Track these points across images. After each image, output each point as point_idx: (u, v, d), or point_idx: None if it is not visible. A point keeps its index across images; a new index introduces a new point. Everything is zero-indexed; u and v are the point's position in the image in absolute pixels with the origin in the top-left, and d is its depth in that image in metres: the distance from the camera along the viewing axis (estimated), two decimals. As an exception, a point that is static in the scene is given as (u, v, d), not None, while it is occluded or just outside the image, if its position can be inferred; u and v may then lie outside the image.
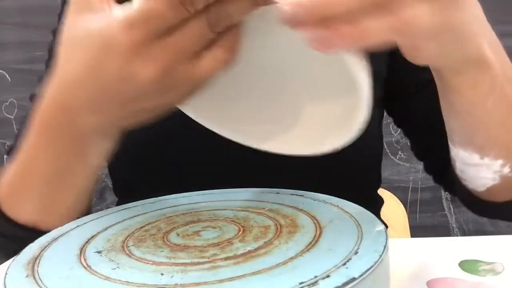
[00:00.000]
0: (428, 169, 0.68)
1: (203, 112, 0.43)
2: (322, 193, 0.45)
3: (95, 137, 0.44)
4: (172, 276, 0.29)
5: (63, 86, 0.41)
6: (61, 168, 0.46)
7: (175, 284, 0.28)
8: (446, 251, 0.43)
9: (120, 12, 0.35)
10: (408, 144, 0.70)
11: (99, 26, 0.35)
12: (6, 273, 0.31)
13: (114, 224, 0.39)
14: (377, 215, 0.66)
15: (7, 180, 0.50)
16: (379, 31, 0.30)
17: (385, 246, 0.31)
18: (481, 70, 0.40)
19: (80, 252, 0.34)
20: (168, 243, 0.34)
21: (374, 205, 0.67)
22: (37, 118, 0.45)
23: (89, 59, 0.37)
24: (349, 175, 0.59)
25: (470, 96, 0.42)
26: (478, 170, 0.48)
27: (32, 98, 0.65)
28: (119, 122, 0.42)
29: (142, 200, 0.46)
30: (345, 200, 0.41)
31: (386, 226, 0.66)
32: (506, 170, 0.47)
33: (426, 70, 0.43)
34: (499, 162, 0.46)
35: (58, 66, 0.41)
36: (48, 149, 0.45)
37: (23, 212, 0.48)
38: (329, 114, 0.40)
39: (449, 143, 0.50)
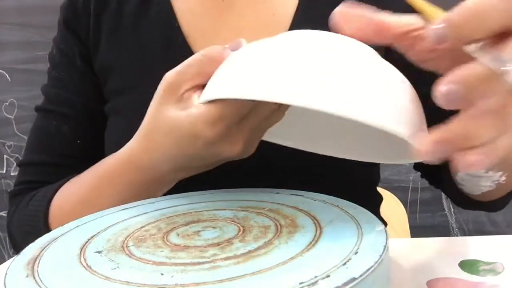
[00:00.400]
0: (423, 174, 0.68)
1: (275, 135, 0.49)
2: (322, 192, 0.45)
3: (168, 185, 0.50)
4: (172, 276, 0.29)
5: (148, 158, 0.47)
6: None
7: (175, 284, 0.28)
8: (446, 251, 0.43)
9: (205, 110, 0.41)
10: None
11: (187, 123, 0.42)
12: (6, 273, 0.31)
13: (114, 224, 0.39)
14: (377, 212, 0.66)
15: (63, 206, 0.54)
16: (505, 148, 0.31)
17: (385, 246, 0.31)
18: None
19: (80, 252, 0.34)
20: (168, 243, 0.34)
21: (374, 203, 0.67)
22: (112, 170, 0.50)
23: (178, 147, 0.44)
24: (348, 172, 0.59)
25: None
26: (480, 180, 0.52)
27: (36, 110, 0.66)
28: (197, 173, 0.48)
29: (142, 200, 0.46)
30: (345, 200, 0.41)
31: (385, 224, 0.66)
32: (502, 178, 0.51)
33: (425, 84, 0.44)
34: (500, 173, 0.50)
35: (142, 140, 0.47)
36: (119, 193, 0.50)
37: None
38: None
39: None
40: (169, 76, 0.44)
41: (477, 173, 0.51)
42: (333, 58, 0.35)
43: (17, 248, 0.61)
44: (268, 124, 0.45)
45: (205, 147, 0.43)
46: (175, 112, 0.43)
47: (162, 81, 0.45)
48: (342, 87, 0.33)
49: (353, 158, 0.47)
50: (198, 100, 0.42)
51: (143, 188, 0.49)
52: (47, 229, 0.54)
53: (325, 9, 0.63)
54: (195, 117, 0.41)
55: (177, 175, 0.48)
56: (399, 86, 0.35)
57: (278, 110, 0.44)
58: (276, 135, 0.49)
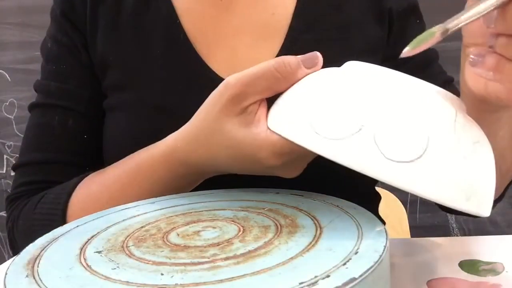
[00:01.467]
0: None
1: None
2: (322, 192, 0.45)
3: (206, 178, 0.50)
4: (172, 276, 0.29)
5: (198, 158, 0.46)
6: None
7: (175, 284, 0.28)
8: (446, 251, 0.43)
9: (275, 140, 0.40)
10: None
11: (254, 146, 0.41)
12: (6, 273, 0.31)
13: (114, 224, 0.39)
14: (375, 211, 0.66)
15: (87, 207, 0.52)
16: None
17: (385, 246, 0.31)
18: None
19: (80, 252, 0.34)
20: (168, 243, 0.34)
21: (373, 201, 0.66)
22: (151, 166, 0.50)
23: (234, 161, 0.44)
24: (347, 171, 0.59)
25: (488, 126, 0.44)
26: None
27: (32, 108, 0.63)
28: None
29: (142, 200, 0.46)
30: (345, 200, 0.41)
31: (384, 223, 0.66)
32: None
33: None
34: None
35: (195, 141, 0.46)
36: (160, 186, 0.49)
37: None
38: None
39: None
40: (233, 85, 0.42)
41: None
42: (410, 118, 0.34)
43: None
44: None
45: (264, 169, 0.43)
46: (238, 129, 0.42)
47: (223, 88, 0.43)
48: (412, 162, 0.33)
49: None
50: (265, 120, 0.42)
51: (184, 180, 0.49)
52: None
53: (324, 9, 0.63)
54: (262, 143, 0.41)
55: (219, 173, 0.49)
56: (470, 150, 0.35)
57: None
58: None
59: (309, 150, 0.36)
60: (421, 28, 0.67)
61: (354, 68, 0.40)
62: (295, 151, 0.40)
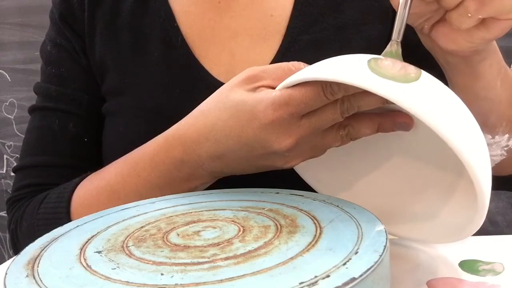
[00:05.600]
0: None
1: (313, 173, 0.48)
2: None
3: (203, 180, 0.49)
4: (172, 276, 0.29)
5: (195, 133, 0.46)
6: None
7: (175, 284, 0.28)
8: (446, 251, 0.43)
9: (274, 92, 0.41)
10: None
11: (254, 100, 0.42)
12: (6, 273, 0.31)
13: (114, 224, 0.39)
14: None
15: (88, 203, 0.52)
16: None
17: (385, 246, 0.31)
18: (495, 52, 0.48)
19: (80, 252, 0.34)
20: (168, 243, 0.34)
21: None
22: (154, 149, 0.49)
23: (233, 124, 0.43)
24: None
25: (488, 78, 0.48)
26: (489, 149, 0.52)
27: (32, 111, 0.64)
28: (235, 172, 0.48)
29: (142, 200, 0.46)
30: (345, 200, 0.41)
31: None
32: (511, 142, 0.52)
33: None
34: (506, 136, 0.52)
35: (196, 115, 0.47)
36: (158, 179, 0.49)
37: None
38: (438, 212, 0.43)
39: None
40: (252, 69, 0.44)
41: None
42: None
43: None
44: (324, 142, 0.44)
45: (259, 129, 0.42)
46: (244, 95, 0.43)
47: (241, 73, 0.45)
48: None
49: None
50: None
51: (180, 172, 0.48)
52: None
53: (322, 9, 0.63)
54: (262, 97, 0.42)
55: (213, 166, 0.47)
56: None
57: (339, 131, 0.43)
58: (313, 177, 0.49)
59: (304, 101, 0.39)
60: None
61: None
62: (292, 102, 0.40)
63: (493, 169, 0.55)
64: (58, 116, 0.61)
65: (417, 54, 0.49)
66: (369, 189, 0.47)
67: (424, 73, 0.36)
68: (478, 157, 0.33)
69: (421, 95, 0.34)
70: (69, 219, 0.53)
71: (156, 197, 0.46)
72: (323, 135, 0.43)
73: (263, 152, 0.43)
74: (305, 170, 0.48)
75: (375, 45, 0.63)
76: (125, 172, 0.51)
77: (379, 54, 0.65)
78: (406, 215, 0.44)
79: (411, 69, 0.36)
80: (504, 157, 0.52)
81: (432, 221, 0.43)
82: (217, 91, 0.46)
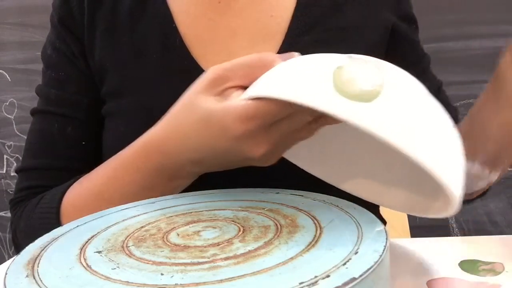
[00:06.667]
0: None
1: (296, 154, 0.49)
2: (322, 193, 0.45)
3: (186, 179, 0.50)
4: (172, 276, 0.29)
5: (172, 143, 0.47)
6: (145, 198, 0.49)
7: (175, 284, 0.28)
8: (446, 251, 0.43)
9: (241, 104, 0.41)
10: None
11: (222, 112, 0.42)
12: (6, 273, 0.31)
13: (114, 224, 0.39)
14: (377, 212, 0.66)
15: (76, 204, 0.53)
16: None
17: (385, 246, 0.31)
18: None
19: (80, 252, 0.34)
20: (168, 243, 0.34)
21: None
22: (132, 156, 0.50)
23: (205, 135, 0.43)
24: None
25: None
26: (479, 181, 0.53)
27: (33, 113, 0.64)
28: (214, 170, 0.48)
29: (142, 200, 0.46)
30: (345, 200, 0.41)
31: (385, 222, 0.66)
32: (496, 177, 0.52)
33: None
34: (498, 173, 0.51)
35: (169, 123, 0.47)
36: (139, 179, 0.49)
37: None
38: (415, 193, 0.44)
39: (476, 158, 0.54)
40: (216, 68, 0.44)
41: (481, 174, 0.52)
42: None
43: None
44: (297, 137, 0.44)
45: (231, 142, 0.42)
46: (211, 103, 0.43)
47: (205, 73, 0.44)
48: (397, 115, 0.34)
49: (367, 199, 0.47)
50: (238, 98, 0.42)
51: (162, 175, 0.48)
52: None
53: (324, 11, 0.63)
54: (230, 109, 0.41)
55: (194, 168, 0.48)
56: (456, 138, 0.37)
57: (310, 125, 0.43)
58: (299, 157, 0.49)
59: (272, 113, 0.39)
60: (417, 34, 0.69)
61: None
62: (260, 115, 0.40)
63: (467, 195, 0.56)
64: (57, 120, 0.62)
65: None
66: (343, 163, 0.48)
67: (389, 81, 0.35)
68: (446, 167, 0.33)
69: (382, 114, 0.33)
70: (59, 220, 0.54)
71: (141, 198, 0.47)
72: (297, 132, 0.43)
73: (240, 159, 0.44)
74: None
75: (374, 51, 0.63)
76: (110, 174, 0.52)
77: (381, 56, 0.65)
78: (377, 183, 0.46)
79: (377, 78, 0.36)
80: (482, 187, 0.53)
81: (401, 192, 0.44)
82: (185, 96, 0.46)
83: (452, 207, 0.35)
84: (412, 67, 0.66)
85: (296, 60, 0.40)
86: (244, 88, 0.42)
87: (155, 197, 0.47)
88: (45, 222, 0.54)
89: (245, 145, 0.42)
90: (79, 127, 0.62)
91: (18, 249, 0.60)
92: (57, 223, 0.54)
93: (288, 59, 0.42)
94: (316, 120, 0.43)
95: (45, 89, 0.64)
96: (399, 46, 0.65)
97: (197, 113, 0.44)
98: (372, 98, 0.34)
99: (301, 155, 0.49)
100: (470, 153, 0.54)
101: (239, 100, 0.41)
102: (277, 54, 0.43)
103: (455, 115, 0.71)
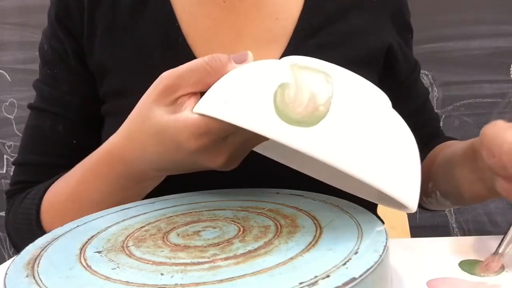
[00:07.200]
0: None
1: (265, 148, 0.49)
2: (322, 193, 0.45)
3: (155, 181, 0.50)
4: (172, 276, 0.29)
5: (131, 152, 0.47)
6: (117, 199, 0.49)
7: (175, 284, 0.28)
8: (446, 251, 0.43)
9: (192, 121, 0.41)
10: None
11: (175, 129, 0.42)
12: (6, 273, 0.31)
13: (114, 224, 0.39)
14: (375, 211, 0.66)
15: (53, 202, 0.54)
16: None
17: (385, 246, 0.31)
18: None
19: (80, 252, 0.34)
20: (168, 243, 0.34)
21: (372, 202, 0.67)
22: (98, 161, 0.50)
23: (160, 150, 0.44)
24: None
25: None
26: (445, 207, 0.59)
27: (29, 108, 0.65)
28: (180, 172, 0.48)
29: (142, 200, 0.46)
30: (345, 200, 0.41)
31: (384, 223, 0.66)
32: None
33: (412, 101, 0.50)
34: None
35: (128, 133, 0.47)
36: (106, 185, 0.49)
37: None
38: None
39: (436, 191, 0.57)
40: (167, 76, 0.43)
41: (447, 204, 0.57)
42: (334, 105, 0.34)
43: (17, 247, 0.61)
44: (254, 143, 0.45)
45: (186, 156, 0.42)
46: (164, 116, 0.43)
47: (158, 80, 0.44)
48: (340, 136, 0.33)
49: (340, 187, 0.47)
50: (191, 109, 0.42)
51: (128, 180, 0.48)
52: (39, 226, 0.54)
53: (330, 15, 0.63)
54: (182, 125, 0.41)
55: (159, 173, 0.48)
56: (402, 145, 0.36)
57: None
58: (270, 151, 0.49)
59: (223, 129, 0.39)
60: (411, 43, 0.70)
61: (285, 59, 0.41)
62: (212, 131, 0.40)
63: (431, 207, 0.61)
64: (49, 117, 0.63)
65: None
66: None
67: (338, 93, 0.34)
68: (399, 182, 0.33)
69: (325, 138, 0.33)
70: (38, 218, 0.55)
71: (109, 202, 0.47)
72: (253, 138, 0.43)
73: (201, 167, 0.45)
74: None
75: (375, 57, 0.63)
76: (79, 176, 0.53)
77: (377, 67, 0.66)
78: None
79: (323, 93, 0.34)
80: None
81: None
82: (140, 103, 0.46)
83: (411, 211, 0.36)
84: (406, 80, 0.67)
85: (246, 69, 0.39)
86: (198, 94, 0.42)
87: (125, 201, 0.47)
88: (27, 218, 0.56)
89: (202, 158, 0.43)
90: (70, 126, 0.63)
91: (10, 239, 0.62)
92: (37, 221, 0.55)
93: (241, 59, 0.42)
94: None
95: (40, 85, 0.65)
96: (395, 59, 0.65)
97: (151, 126, 0.44)
98: (316, 121, 0.33)
99: (268, 148, 0.49)
100: (442, 191, 0.56)
101: (190, 114, 0.41)
102: (229, 56, 0.43)
103: (437, 124, 0.73)
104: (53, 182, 0.57)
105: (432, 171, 0.58)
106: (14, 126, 1.68)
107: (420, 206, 0.62)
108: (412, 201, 0.35)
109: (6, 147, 1.69)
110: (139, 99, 0.50)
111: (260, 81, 0.37)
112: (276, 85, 0.35)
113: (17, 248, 0.61)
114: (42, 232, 0.53)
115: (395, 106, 0.39)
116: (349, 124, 0.34)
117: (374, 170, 0.32)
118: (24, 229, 0.56)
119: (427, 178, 0.57)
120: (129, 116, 0.47)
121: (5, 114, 1.69)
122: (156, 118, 0.43)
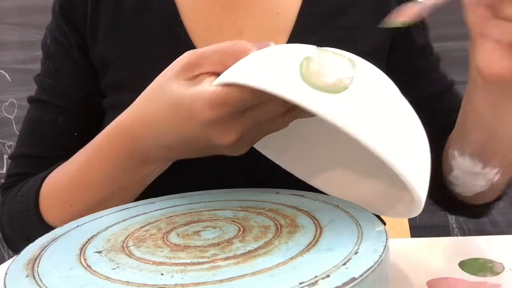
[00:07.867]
0: None
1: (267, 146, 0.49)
2: (322, 193, 0.45)
3: (158, 164, 0.49)
4: (172, 276, 0.29)
5: (141, 126, 0.46)
6: (118, 185, 0.49)
7: (175, 284, 0.28)
8: (446, 251, 0.43)
9: (211, 90, 0.40)
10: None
11: (191, 98, 0.41)
12: (6, 273, 0.31)
13: (114, 224, 0.39)
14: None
15: (53, 186, 0.54)
16: None
17: (385, 246, 0.31)
18: None
19: (80, 252, 0.34)
20: (168, 243, 0.34)
21: None
22: (104, 141, 0.50)
23: (174, 120, 0.43)
24: None
25: (508, 112, 0.46)
26: (476, 178, 0.52)
27: (29, 101, 0.65)
28: (185, 157, 0.48)
29: (142, 200, 0.46)
30: (345, 200, 0.41)
31: (384, 223, 0.66)
32: (497, 177, 0.51)
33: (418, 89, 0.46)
34: (496, 170, 0.50)
35: (140, 107, 0.47)
36: (108, 166, 0.49)
37: (63, 218, 0.49)
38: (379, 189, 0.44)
39: (454, 152, 0.53)
40: (189, 55, 0.43)
41: (474, 168, 0.51)
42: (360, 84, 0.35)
43: (9, 240, 0.60)
44: (268, 128, 0.44)
45: (200, 127, 0.41)
46: (181, 88, 0.42)
47: (179, 58, 0.44)
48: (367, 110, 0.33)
49: (339, 196, 0.46)
50: (210, 84, 0.41)
51: (132, 162, 0.48)
52: (38, 212, 0.53)
53: (330, 10, 0.63)
54: (199, 95, 0.40)
55: (163, 153, 0.47)
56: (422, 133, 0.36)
57: (283, 116, 0.42)
58: (270, 149, 0.49)
59: (243, 99, 0.39)
60: (425, 33, 0.67)
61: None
62: (230, 102, 0.39)
63: (471, 197, 0.56)
64: (50, 109, 0.62)
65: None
66: (314, 158, 0.49)
67: (360, 76, 0.35)
68: (411, 165, 0.33)
69: (346, 106, 0.33)
70: (36, 205, 0.54)
71: (113, 185, 0.47)
72: (269, 122, 0.43)
73: (208, 145, 0.43)
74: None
75: (379, 50, 0.62)
76: (81, 161, 0.52)
77: (383, 59, 0.65)
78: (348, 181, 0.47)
79: (345, 72, 0.35)
80: (485, 189, 0.52)
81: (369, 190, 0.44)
82: (156, 80, 0.46)
83: (416, 208, 0.36)
84: (413, 67, 0.66)
85: (269, 49, 0.40)
86: (217, 75, 0.42)
87: (125, 190, 0.47)
88: (24, 206, 0.55)
89: (214, 132, 0.41)
90: (71, 118, 0.62)
91: (3, 233, 0.61)
92: (35, 208, 0.54)
93: (264, 47, 0.42)
94: (288, 111, 0.42)
95: (41, 78, 0.64)
96: (404, 43, 0.64)
97: (166, 97, 0.43)
98: (338, 91, 0.33)
99: (271, 147, 0.49)
100: (459, 145, 0.52)
101: (209, 85, 0.40)
102: (253, 43, 0.43)
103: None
104: (53, 170, 0.56)
105: (451, 138, 0.56)
106: (14, 126, 1.68)
107: (446, 201, 0.60)
108: (421, 190, 0.34)
109: (6, 147, 1.69)
110: (140, 93, 0.50)
111: (286, 54, 0.37)
112: (302, 57, 0.36)
113: (8, 242, 0.60)
114: (40, 219, 0.53)
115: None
116: (370, 100, 0.34)
117: (390, 148, 0.32)
118: (21, 217, 0.55)
119: (446, 156, 0.55)
120: (142, 93, 0.47)
121: (5, 114, 1.69)
122: (173, 90, 0.43)
